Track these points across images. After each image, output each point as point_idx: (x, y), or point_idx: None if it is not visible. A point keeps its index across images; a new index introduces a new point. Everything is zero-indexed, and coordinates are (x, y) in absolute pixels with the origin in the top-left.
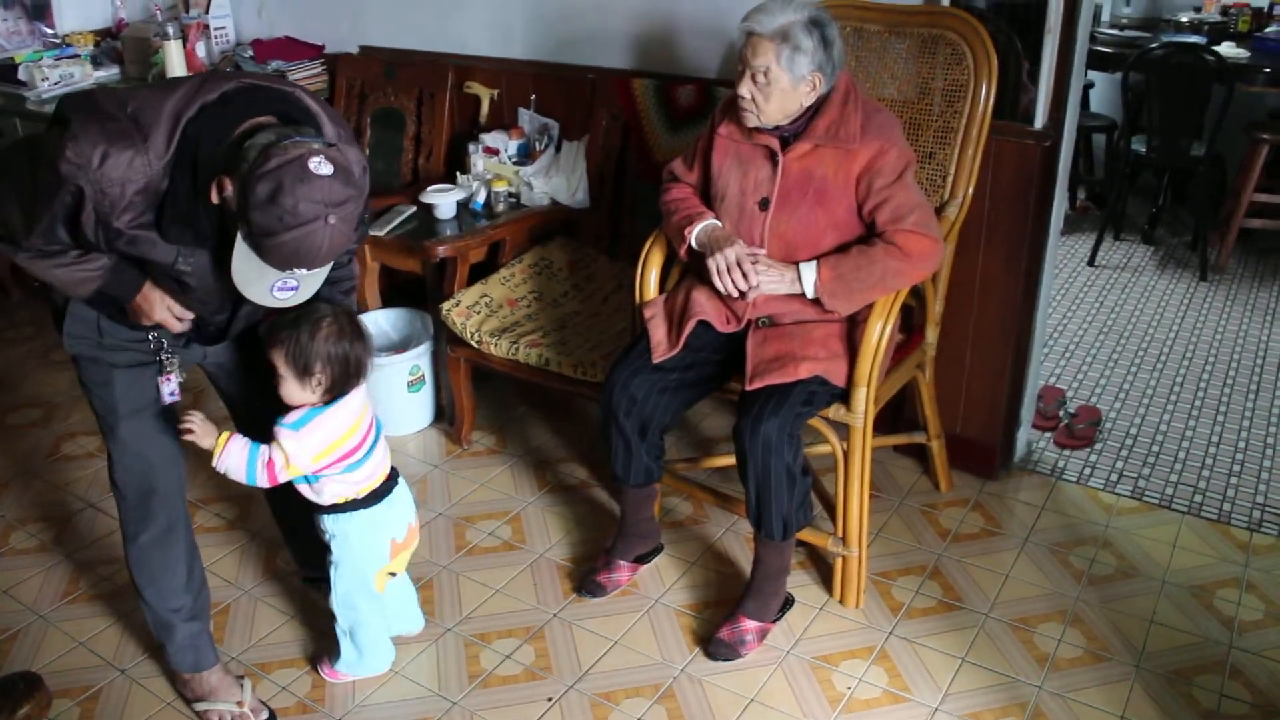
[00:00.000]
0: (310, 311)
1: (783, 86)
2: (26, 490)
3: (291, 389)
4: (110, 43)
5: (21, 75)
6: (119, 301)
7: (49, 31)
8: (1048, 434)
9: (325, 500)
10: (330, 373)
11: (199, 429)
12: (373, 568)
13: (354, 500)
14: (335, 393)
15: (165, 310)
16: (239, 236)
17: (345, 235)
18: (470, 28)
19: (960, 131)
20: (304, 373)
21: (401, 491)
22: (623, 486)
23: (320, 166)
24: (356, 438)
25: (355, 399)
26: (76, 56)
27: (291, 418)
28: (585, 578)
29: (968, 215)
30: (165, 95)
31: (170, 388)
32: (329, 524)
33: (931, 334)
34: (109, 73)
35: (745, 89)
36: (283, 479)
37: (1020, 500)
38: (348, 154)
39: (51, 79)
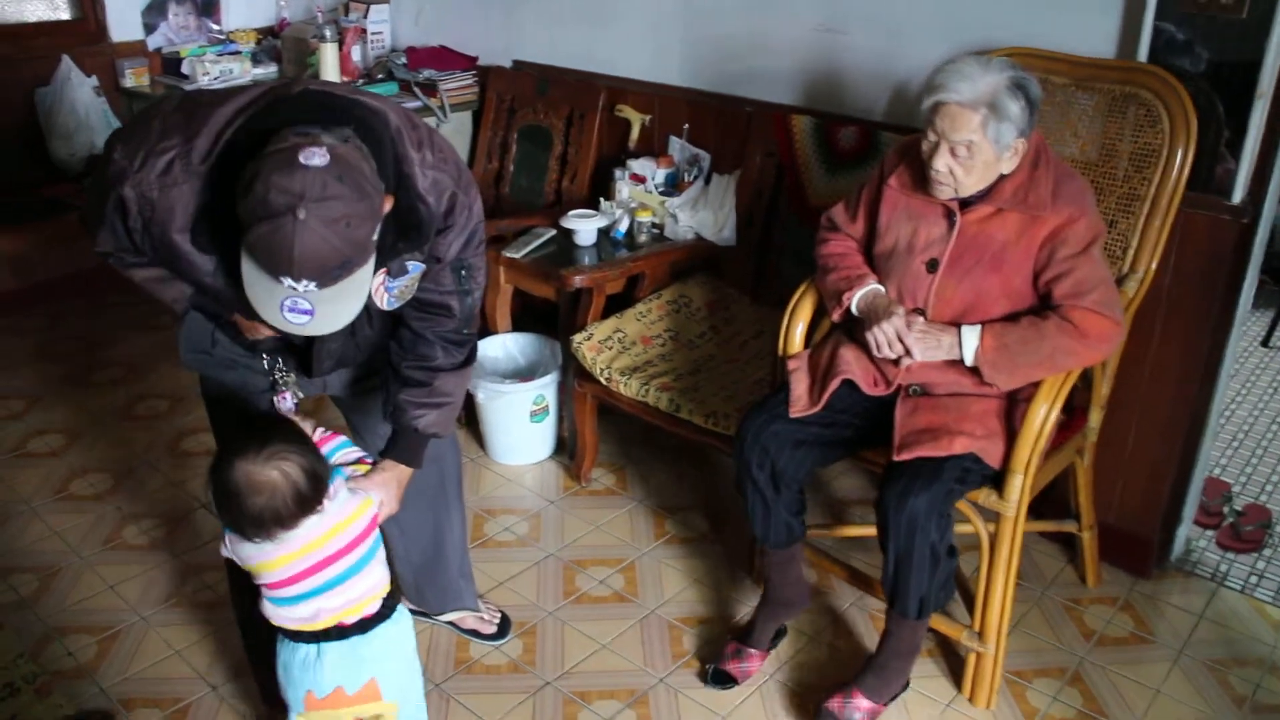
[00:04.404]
0: (287, 460)
1: (986, 158)
2: (144, 484)
3: None
4: (271, 41)
5: (185, 69)
6: (220, 315)
7: (215, 28)
8: (1209, 532)
9: (265, 612)
10: (211, 500)
11: None
12: (291, 707)
13: (286, 629)
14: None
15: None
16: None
17: (328, 243)
18: (627, 50)
19: (1148, 201)
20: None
21: (356, 649)
22: (764, 549)
23: (311, 157)
24: (285, 572)
25: (298, 535)
26: (238, 53)
27: None
28: (713, 668)
29: (1147, 292)
30: (225, 100)
31: (286, 405)
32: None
33: (1095, 418)
34: (267, 70)
35: (942, 163)
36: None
37: (1175, 605)
38: (429, 176)
39: (212, 74)
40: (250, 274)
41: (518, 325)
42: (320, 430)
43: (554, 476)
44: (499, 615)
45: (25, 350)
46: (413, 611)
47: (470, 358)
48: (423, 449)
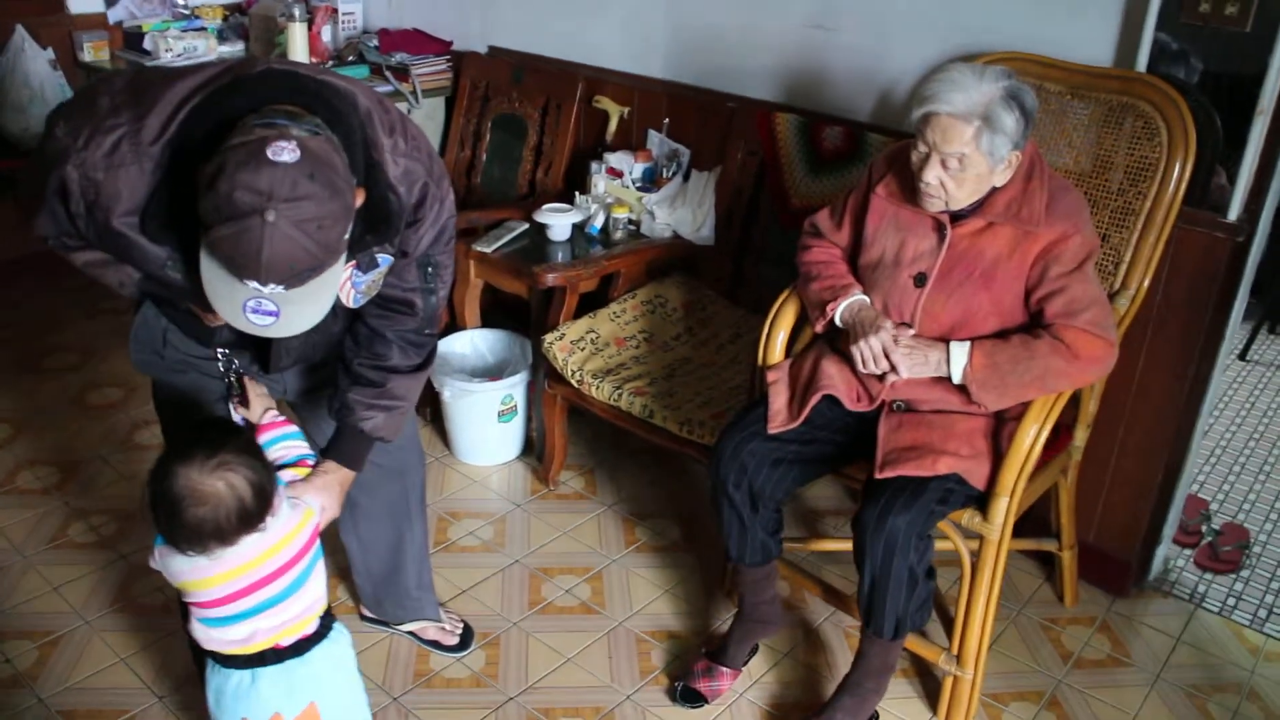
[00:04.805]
0: (235, 472)
1: (979, 171)
2: (96, 477)
3: None
4: (238, 18)
5: (147, 45)
6: (174, 302)
7: (179, 2)
8: (1187, 551)
9: (195, 634)
10: (148, 508)
11: None
12: None
13: (217, 654)
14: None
15: None
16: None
17: (299, 246)
18: (607, 39)
19: (1142, 215)
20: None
21: (292, 672)
22: (738, 566)
23: (280, 153)
24: (218, 591)
25: (235, 553)
26: (203, 30)
27: None
28: (683, 685)
29: (1138, 310)
30: (180, 77)
31: (240, 414)
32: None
33: (1081, 436)
34: (233, 48)
35: (933, 175)
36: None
37: (1152, 626)
38: (400, 164)
39: (175, 50)
40: (211, 272)
41: (487, 321)
42: (271, 414)
43: (521, 478)
44: (461, 625)
45: None
46: (372, 621)
47: (428, 361)
48: (367, 452)
